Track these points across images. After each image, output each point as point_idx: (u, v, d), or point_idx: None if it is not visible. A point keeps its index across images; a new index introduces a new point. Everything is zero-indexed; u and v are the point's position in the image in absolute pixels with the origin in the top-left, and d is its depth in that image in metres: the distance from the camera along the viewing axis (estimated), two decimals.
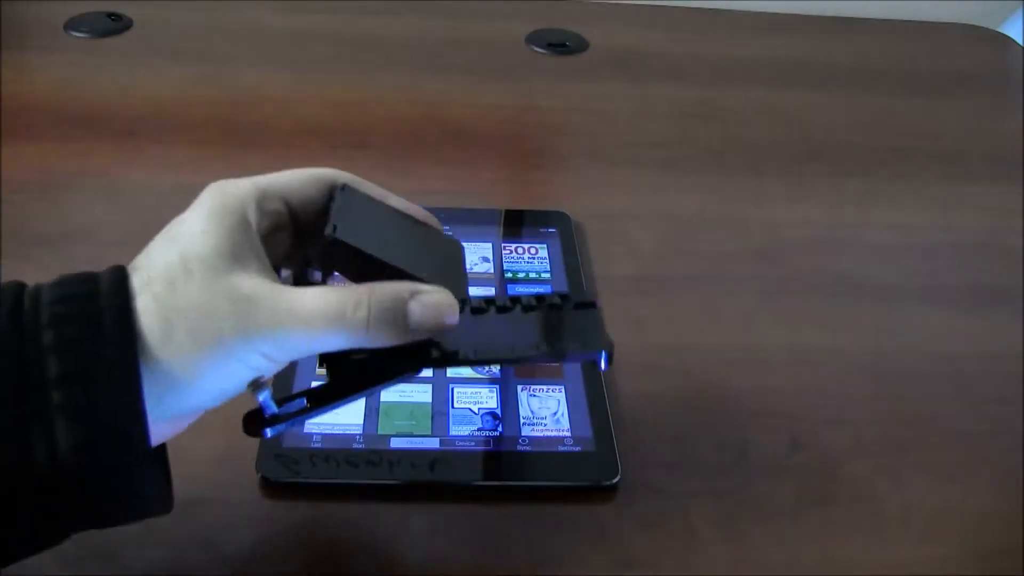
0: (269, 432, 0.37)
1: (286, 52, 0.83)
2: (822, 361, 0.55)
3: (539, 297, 0.40)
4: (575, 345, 0.39)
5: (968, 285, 0.63)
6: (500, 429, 0.48)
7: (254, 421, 0.37)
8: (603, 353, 0.38)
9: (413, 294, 0.35)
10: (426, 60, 0.83)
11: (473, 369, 0.51)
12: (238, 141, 0.71)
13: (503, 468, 0.47)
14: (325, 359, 0.37)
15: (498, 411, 0.49)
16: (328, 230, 0.36)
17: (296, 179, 0.38)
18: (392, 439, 0.47)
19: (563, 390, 0.51)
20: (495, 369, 0.52)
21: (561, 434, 0.48)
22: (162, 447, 0.37)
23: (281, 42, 0.84)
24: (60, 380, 0.31)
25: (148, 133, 0.71)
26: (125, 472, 0.33)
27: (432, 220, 0.41)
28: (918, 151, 0.77)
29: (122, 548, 0.42)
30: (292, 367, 0.50)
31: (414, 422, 0.48)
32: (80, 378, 0.31)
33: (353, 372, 0.37)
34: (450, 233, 0.61)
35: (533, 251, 0.61)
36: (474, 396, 0.50)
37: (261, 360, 0.34)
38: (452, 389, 0.50)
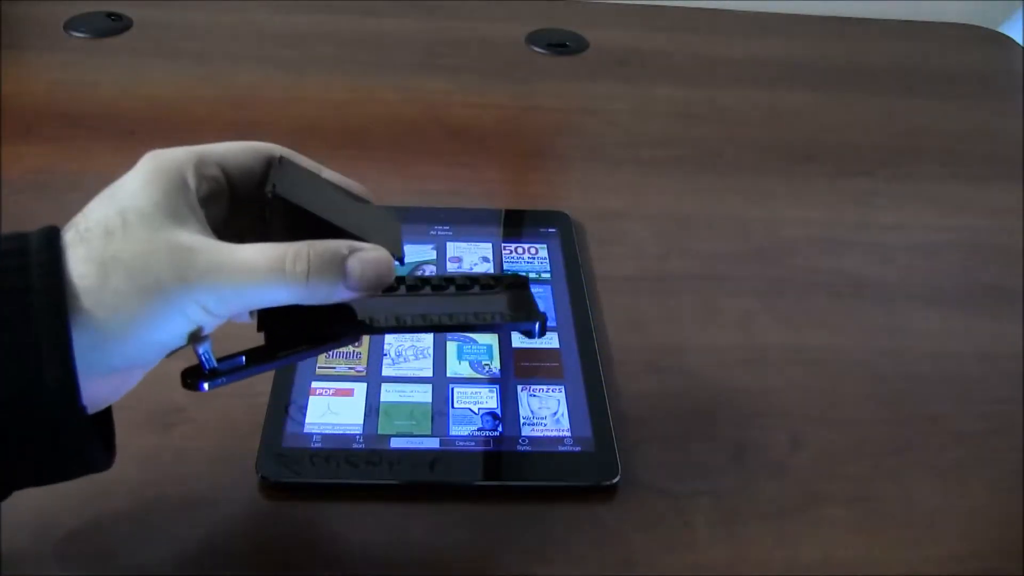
0: (206, 386, 0.37)
1: (286, 52, 0.83)
2: (822, 361, 0.55)
3: (472, 277, 0.42)
4: (511, 316, 0.40)
5: (968, 285, 0.63)
6: (500, 429, 0.48)
7: (192, 374, 0.37)
8: (536, 323, 0.40)
9: (352, 250, 0.35)
10: (426, 60, 0.83)
11: (472, 368, 0.51)
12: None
13: (503, 468, 0.47)
14: (263, 322, 0.38)
15: (498, 411, 0.49)
16: (268, 187, 0.36)
17: (233, 149, 0.39)
18: (392, 439, 0.47)
19: (563, 390, 0.51)
20: (495, 368, 0.52)
21: (561, 434, 0.48)
22: (107, 406, 0.37)
23: (281, 42, 0.84)
24: None
25: (148, 133, 0.71)
26: (55, 425, 0.32)
27: (367, 194, 0.41)
28: (918, 151, 0.77)
29: (122, 548, 0.42)
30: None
31: (414, 422, 0.48)
32: (7, 330, 0.31)
33: (290, 335, 0.38)
34: (448, 232, 0.62)
35: (533, 251, 0.61)
36: (474, 396, 0.50)
37: (200, 312, 0.34)
38: (452, 389, 0.50)
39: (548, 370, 0.52)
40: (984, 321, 0.60)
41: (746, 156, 0.74)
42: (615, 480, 0.46)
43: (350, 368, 0.51)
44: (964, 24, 0.99)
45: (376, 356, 0.52)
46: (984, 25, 0.99)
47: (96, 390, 0.33)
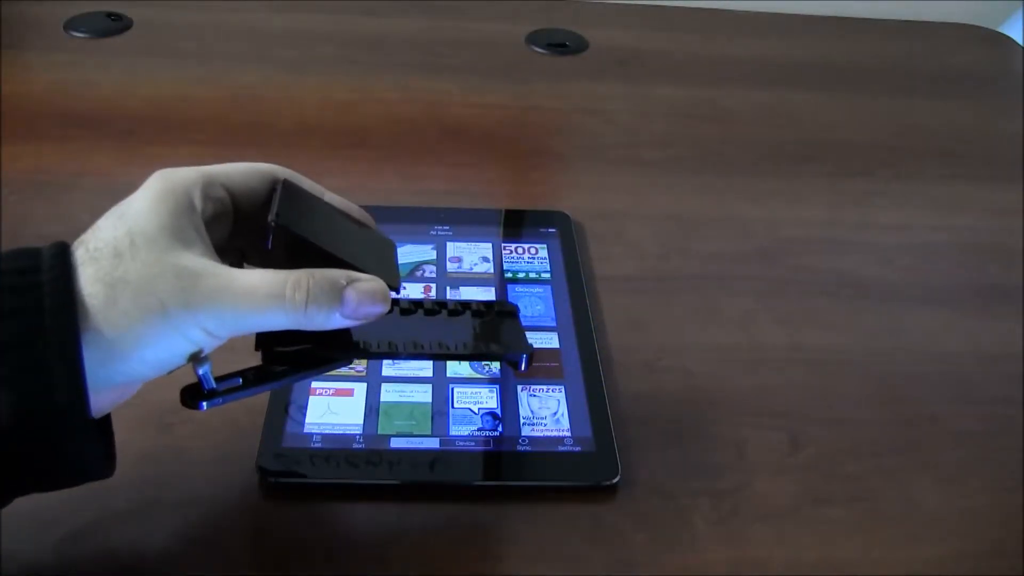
0: (205, 405, 0.38)
1: (286, 52, 0.83)
2: (822, 361, 0.55)
3: (464, 304, 0.43)
4: (499, 347, 0.42)
5: (968, 285, 0.63)
6: (500, 429, 0.48)
7: (191, 394, 0.38)
8: (524, 356, 0.42)
9: (350, 281, 0.37)
10: (426, 60, 0.83)
11: (472, 368, 0.51)
12: (238, 141, 0.71)
13: (503, 468, 0.47)
14: (261, 343, 0.39)
15: (498, 411, 0.49)
16: (271, 216, 0.37)
17: (239, 170, 0.40)
18: (392, 439, 0.47)
19: (563, 390, 0.51)
20: (495, 369, 0.52)
21: (561, 434, 0.48)
22: (105, 415, 0.38)
23: (281, 42, 0.84)
24: (1, 350, 0.32)
25: (148, 133, 0.71)
26: (64, 440, 0.34)
27: (368, 219, 0.43)
28: (918, 151, 0.77)
29: (122, 548, 0.42)
30: None
31: (414, 422, 0.48)
32: (20, 348, 0.32)
33: (287, 356, 0.39)
34: (448, 232, 0.62)
35: (533, 251, 0.61)
36: (474, 396, 0.50)
37: (201, 335, 0.35)
38: (452, 389, 0.50)
39: (548, 370, 0.52)
40: (984, 321, 0.60)
41: (746, 156, 0.74)
42: (615, 480, 0.46)
43: (350, 368, 0.51)
44: (964, 24, 0.99)
45: None
46: (984, 25, 0.99)
47: (98, 402, 0.35)
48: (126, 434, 0.39)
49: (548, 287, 0.58)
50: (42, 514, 0.42)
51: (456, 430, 0.48)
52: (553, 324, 0.55)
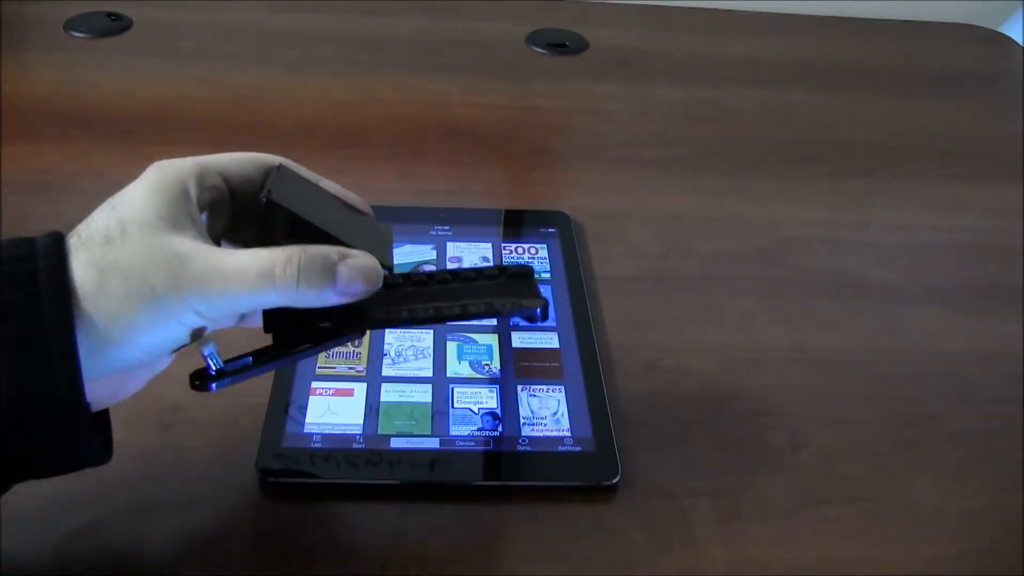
0: (214, 387, 0.38)
1: (286, 52, 0.83)
2: (822, 361, 0.55)
3: (477, 270, 0.42)
4: (511, 301, 0.40)
5: (968, 285, 0.63)
6: (500, 429, 0.48)
7: (200, 376, 0.38)
8: (538, 309, 0.40)
9: (342, 256, 0.36)
10: (426, 60, 0.83)
11: (472, 368, 0.51)
12: (238, 141, 0.70)
13: (503, 468, 0.47)
14: (269, 323, 0.39)
15: (498, 411, 0.49)
16: (263, 194, 0.37)
17: (235, 159, 0.40)
18: (392, 439, 0.47)
19: (563, 390, 0.51)
20: (495, 368, 0.52)
21: (561, 434, 0.48)
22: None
23: (281, 42, 0.84)
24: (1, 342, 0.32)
25: (148, 133, 0.71)
26: (63, 433, 0.34)
27: (365, 207, 0.42)
28: (918, 151, 0.77)
29: (122, 548, 0.42)
30: None
31: (414, 422, 0.48)
32: (18, 340, 0.32)
33: (296, 334, 0.39)
34: (448, 232, 0.62)
35: (533, 251, 0.61)
36: (474, 396, 0.50)
37: (194, 318, 0.35)
38: (452, 389, 0.50)
39: (548, 370, 0.52)
40: (984, 321, 0.60)
41: (746, 156, 0.74)
42: (615, 480, 0.46)
43: (350, 368, 0.51)
44: (964, 24, 0.99)
45: (376, 356, 0.52)
46: (984, 25, 0.99)
47: (97, 392, 0.35)
48: (126, 434, 0.39)
49: (548, 287, 0.58)
50: (42, 514, 0.42)
51: (456, 430, 0.48)
52: (553, 324, 0.55)
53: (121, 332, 0.34)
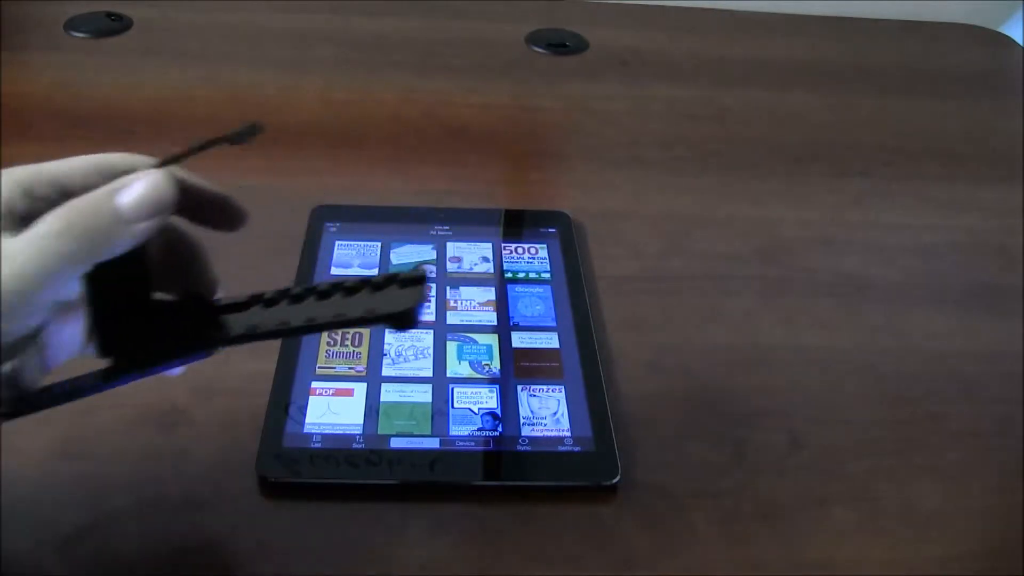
0: (15, 416, 0.34)
1: (286, 52, 0.83)
2: (822, 361, 0.55)
3: (364, 280, 0.36)
4: (363, 309, 0.35)
5: (968, 285, 0.63)
6: (500, 429, 0.48)
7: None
8: (401, 315, 0.35)
9: (116, 189, 0.32)
10: (426, 60, 0.83)
11: (472, 368, 0.51)
12: None
13: (503, 468, 0.47)
14: (107, 344, 0.35)
15: (498, 411, 0.49)
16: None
17: (74, 166, 0.35)
18: (392, 439, 0.47)
19: (563, 390, 0.51)
20: (495, 368, 0.52)
21: (561, 434, 0.48)
22: None
23: (281, 42, 0.84)
24: None
25: (148, 133, 0.71)
26: None
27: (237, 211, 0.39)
28: (918, 151, 0.77)
29: (122, 548, 0.42)
30: None
31: (414, 422, 0.48)
32: None
33: (135, 350, 0.35)
34: (448, 232, 0.62)
35: (533, 251, 0.61)
36: (474, 396, 0.50)
37: None
38: (452, 389, 0.50)
39: (548, 370, 0.52)
40: (984, 321, 0.60)
41: (746, 156, 0.74)
42: (615, 480, 0.46)
43: (350, 368, 0.51)
44: (964, 24, 0.99)
45: (376, 356, 0.52)
46: (984, 25, 0.99)
47: None
48: (126, 434, 0.39)
49: (548, 287, 0.58)
50: (42, 514, 0.42)
51: (456, 430, 0.48)
52: (553, 324, 0.55)
53: None
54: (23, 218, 0.32)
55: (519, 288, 0.57)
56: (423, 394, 0.50)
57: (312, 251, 0.59)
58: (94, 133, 0.70)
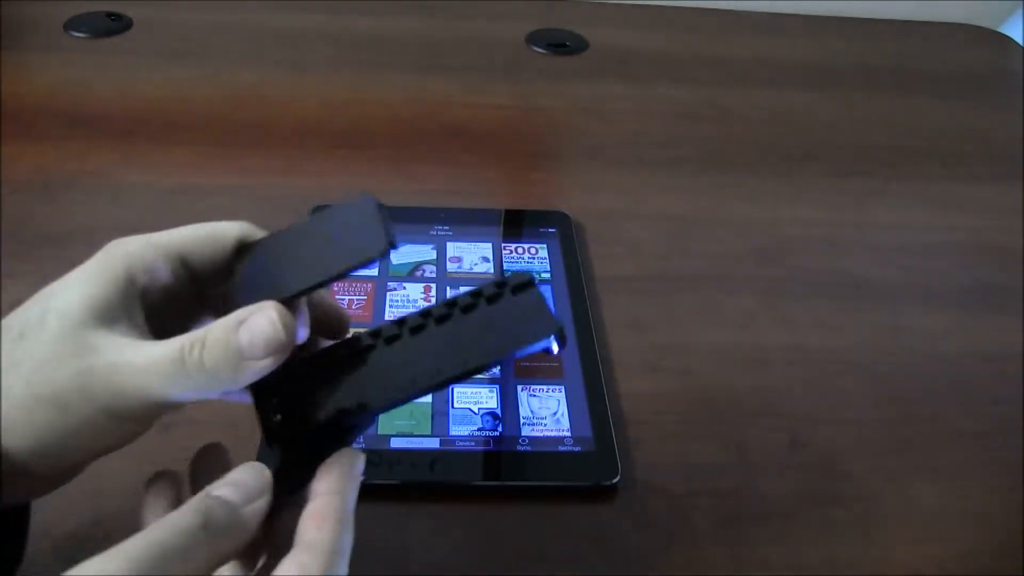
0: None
1: (286, 52, 0.83)
2: (822, 361, 0.55)
3: (475, 293, 0.36)
4: (517, 338, 0.35)
5: (968, 285, 0.63)
6: (500, 429, 0.48)
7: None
8: (552, 336, 0.34)
9: (240, 321, 0.32)
10: (426, 60, 0.83)
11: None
12: (238, 141, 0.71)
13: (503, 468, 0.47)
14: (274, 433, 0.35)
15: (498, 411, 0.49)
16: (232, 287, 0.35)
17: (195, 239, 0.36)
18: (392, 439, 0.47)
19: (563, 390, 0.51)
20: (495, 368, 0.52)
21: (561, 434, 0.48)
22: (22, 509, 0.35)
23: (281, 42, 0.84)
24: None
25: (148, 133, 0.71)
26: None
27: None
28: (918, 151, 0.77)
29: None
30: None
31: (414, 422, 0.48)
32: None
33: (302, 448, 0.35)
34: (448, 232, 0.62)
35: (533, 251, 0.61)
36: (474, 396, 0.50)
37: (104, 420, 0.32)
38: (452, 389, 0.50)
39: (548, 370, 0.52)
40: (984, 321, 0.60)
41: (746, 156, 0.74)
42: (615, 480, 0.46)
43: None
44: (964, 24, 0.99)
45: None
46: (984, 25, 0.99)
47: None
48: None
49: (548, 287, 0.58)
50: (41, 516, 0.42)
51: (456, 430, 0.48)
52: None
53: (22, 440, 0.30)
54: (144, 292, 0.34)
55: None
56: None
57: None
58: (94, 133, 0.70)
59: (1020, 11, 0.98)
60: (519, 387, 0.51)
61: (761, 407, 0.52)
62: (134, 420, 0.33)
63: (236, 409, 0.47)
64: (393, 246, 0.33)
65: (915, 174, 0.74)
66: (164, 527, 0.29)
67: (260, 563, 0.33)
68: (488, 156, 0.72)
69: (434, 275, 0.58)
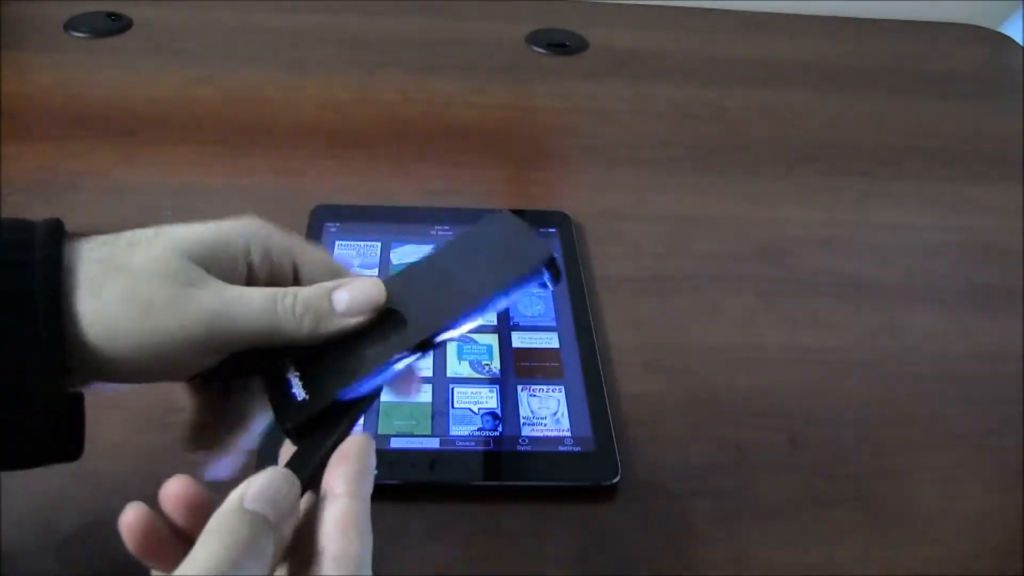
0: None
1: (286, 52, 0.83)
2: (822, 361, 0.55)
3: (460, 237, 0.37)
4: (520, 268, 0.35)
5: (968, 285, 0.63)
6: (500, 429, 0.48)
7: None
8: (543, 269, 0.35)
9: (334, 288, 0.35)
10: (426, 60, 0.83)
11: (472, 368, 0.51)
12: (238, 141, 0.71)
13: (503, 468, 0.47)
14: (291, 429, 0.36)
15: (498, 411, 0.49)
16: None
17: (316, 259, 0.37)
18: (392, 439, 0.47)
19: (563, 390, 0.51)
20: (495, 368, 0.52)
21: (561, 434, 0.48)
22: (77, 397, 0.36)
23: (281, 42, 0.84)
24: None
25: (148, 133, 0.71)
26: (34, 423, 0.32)
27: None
28: (918, 151, 0.77)
29: (122, 549, 0.42)
30: None
31: (414, 422, 0.48)
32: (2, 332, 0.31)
33: (318, 426, 0.35)
34: (448, 231, 0.62)
35: None
36: (474, 396, 0.50)
37: (186, 348, 0.33)
38: (452, 389, 0.50)
39: (548, 370, 0.52)
40: (984, 321, 0.60)
41: (746, 156, 0.74)
42: (615, 480, 0.46)
43: None
44: (964, 24, 0.99)
45: None
46: (984, 25, 0.99)
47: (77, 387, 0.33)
48: (126, 434, 0.39)
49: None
50: (42, 515, 0.42)
51: (456, 430, 0.48)
52: (553, 324, 0.55)
53: (107, 343, 0.32)
54: (249, 269, 0.36)
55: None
56: (423, 394, 0.50)
57: None
58: (94, 133, 0.70)
59: (1020, 11, 0.98)
60: (519, 387, 0.51)
61: (761, 407, 0.52)
62: (203, 345, 0.33)
63: None
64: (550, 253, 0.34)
65: (915, 174, 0.74)
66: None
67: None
68: (488, 156, 0.72)
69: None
